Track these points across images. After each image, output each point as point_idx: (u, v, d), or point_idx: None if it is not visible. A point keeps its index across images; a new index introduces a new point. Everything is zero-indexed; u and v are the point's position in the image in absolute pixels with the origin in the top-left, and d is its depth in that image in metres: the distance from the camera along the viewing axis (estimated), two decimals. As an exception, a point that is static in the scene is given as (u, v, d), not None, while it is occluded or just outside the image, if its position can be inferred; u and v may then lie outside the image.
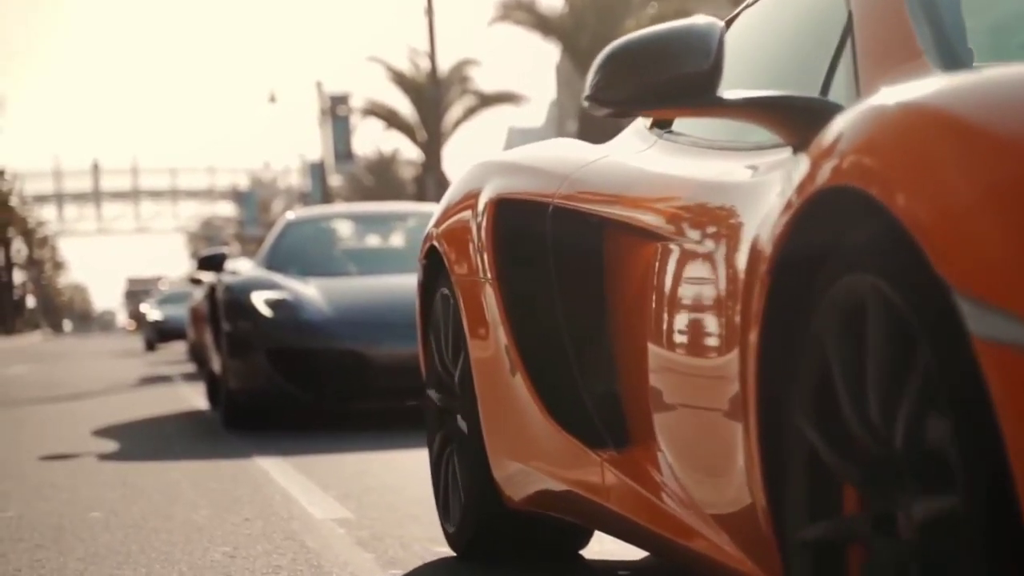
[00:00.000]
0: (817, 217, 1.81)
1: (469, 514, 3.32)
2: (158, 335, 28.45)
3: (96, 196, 77.52)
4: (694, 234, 2.37)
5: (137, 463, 6.36)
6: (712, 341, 2.21)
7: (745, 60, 2.74)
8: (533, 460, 2.97)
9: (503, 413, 3.07)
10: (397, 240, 9.59)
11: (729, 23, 2.95)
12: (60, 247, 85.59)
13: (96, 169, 76.80)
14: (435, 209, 3.61)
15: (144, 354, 27.01)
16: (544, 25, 33.70)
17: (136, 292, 76.71)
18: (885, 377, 1.69)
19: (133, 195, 78.30)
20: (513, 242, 3.07)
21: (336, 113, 42.69)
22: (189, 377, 15.22)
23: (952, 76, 1.67)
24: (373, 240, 9.78)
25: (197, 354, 16.12)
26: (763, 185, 2.15)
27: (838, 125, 1.76)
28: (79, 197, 77.83)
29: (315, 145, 71.31)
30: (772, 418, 1.93)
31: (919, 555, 1.64)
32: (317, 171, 46.44)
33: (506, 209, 3.10)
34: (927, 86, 1.64)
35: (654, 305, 2.48)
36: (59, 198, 77.28)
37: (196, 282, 14.44)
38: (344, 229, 9.72)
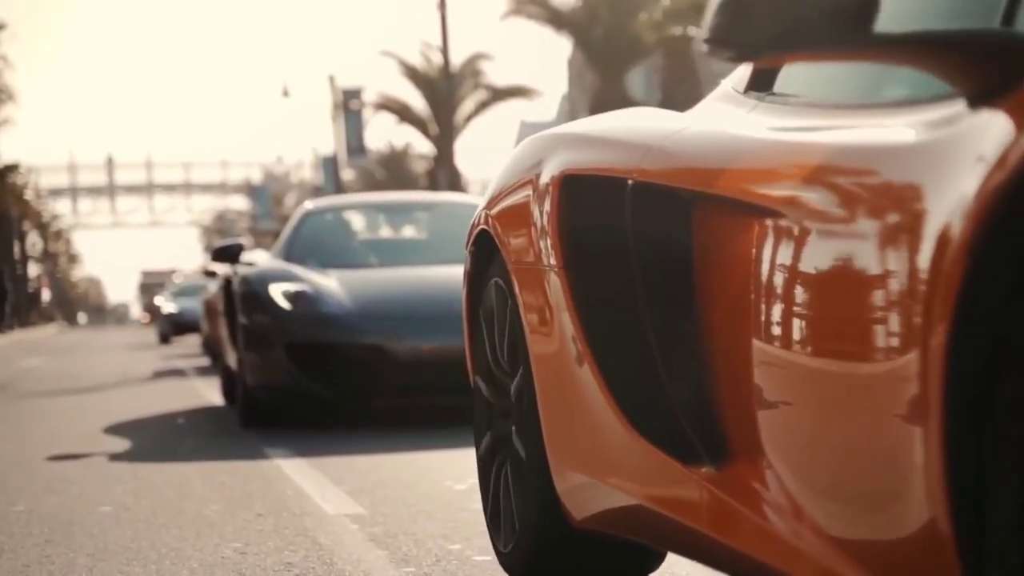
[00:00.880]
0: None
1: (527, 532, 2.88)
2: (172, 328, 28.36)
3: (110, 190, 77.68)
4: (828, 211, 1.92)
5: (148, 457, 6.33)
6: (862, 338, 1.81)
7: None
8: (605, 473, 2.55)
9: (569, 419, 2.65)
10: (420, 231, 9.26)
11: None
12: (74, 240, 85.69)
13: (110, 163, 76.93)
14: (487, 190, 3.18)
15: (158, 347, 26.99)
16: (557, 19, 33.60)
17: (150, 285, 76.78)
18: None
19: (147, 189, 78.45)
20: (584, 225, 2.64)
21: (349, 107, 42.65)
22: (203, 371, 15.19)
23: None
24: (395, 231, 9.45)
25: (211, 348, 16.10)
26: (930, 148, 1.75)
27: None
28: (93, 191, 78.02)
29: (328, 139, 71.32)
30: (963, 428, 1.59)
31: None
32: (330, 165, 46.41)
33: (575, 187, 2.66)
34: None
35: (764, 296, 2.06)
36: (74, 192, 77.45)
37: (210, 274, 14.38)
38: (364, 219, 9.40)
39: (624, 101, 34.05)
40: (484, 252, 3.13)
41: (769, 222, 2.08)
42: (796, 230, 1.99)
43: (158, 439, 7.27)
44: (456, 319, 7.26)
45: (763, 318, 2.06)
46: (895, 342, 1.72)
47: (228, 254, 8.62)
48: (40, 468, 6.02)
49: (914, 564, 1.71)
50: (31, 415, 9.48)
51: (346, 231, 9.09)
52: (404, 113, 40.75)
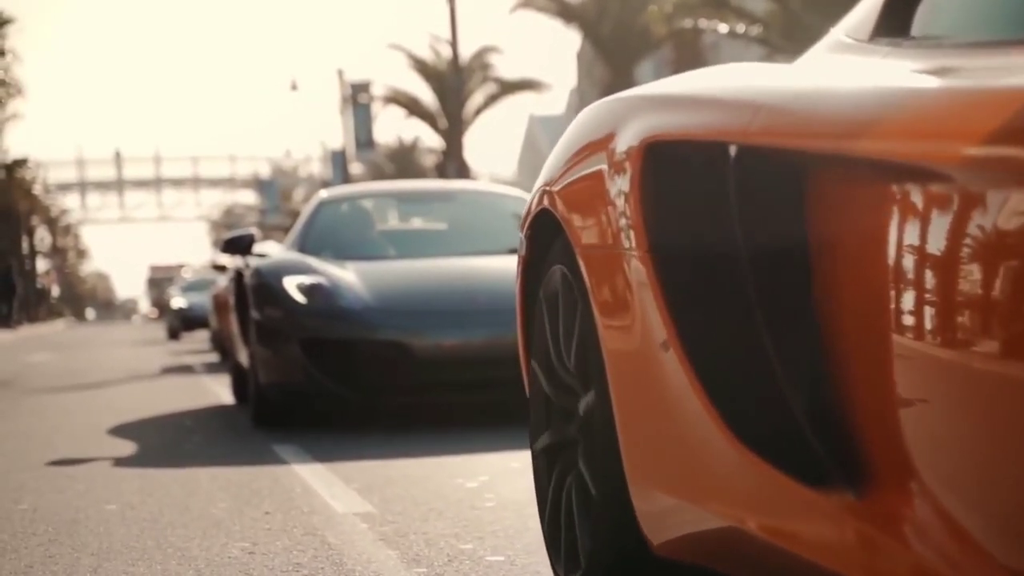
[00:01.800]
0: None
1: (596, 558, 2.49)
2: (182, 323, 27.99)
3: (119, 184, 77.75)
4: (1003, 177, 1.54)
5: (154, 455, 6.25)
6: None
7: None
8: (698, 495, 2.14)
9: (655, 430, 2.23)
10: (440, 221, 8.71)
11: None
12: (83, 235, 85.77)
13: (118, 158, 76.97)
14: (548, 162, 2.77)
15: (166, 343, 26.92)
16: (566, 12, 33.49)
17: (159, 280, 76.86)
18: None
19: (155, 183, 78.53)
20: (674, 200, 2.17)
21: (357, 101, 42.59)
22: (212, 367, 15.11)
23: None
24: (415, 221, 8.91)
25: (220, 344, 15.99)
26: None
27: None
28: (102, 185, 78.14)
29: (336, 133, 71.28)
30: None
31: None
32: (338, 159, 46.35)
33: (662, 156, 2.20)
34: None
35: (908, 282, 1.67)
36: (82, 186, 77.56)
37: (220, 268, 14.27)
38: (382, 209, 8.93)
39: (633, 94, 33.93)
40: (543, 235, 2.74)
41: (919, 192, 1.66)
42: (957, 201, 1.59)
43: (165, 436, 7.19)
44: (479, 313, 6.99)
45: (908, 309, 1.67)
46: None
47: (239, 245, 8.22)
48: (44, 466, 5.94)
49: None
50: (37, 411, 9.40)
51: (363, 221, 8.60)
52: (413, 107, 40.66)
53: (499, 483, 4.77)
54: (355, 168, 48.60)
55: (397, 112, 41.57)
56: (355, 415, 7.64)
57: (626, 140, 2.30)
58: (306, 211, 8.61)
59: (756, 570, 2.11)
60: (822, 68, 2.18)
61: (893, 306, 1.70)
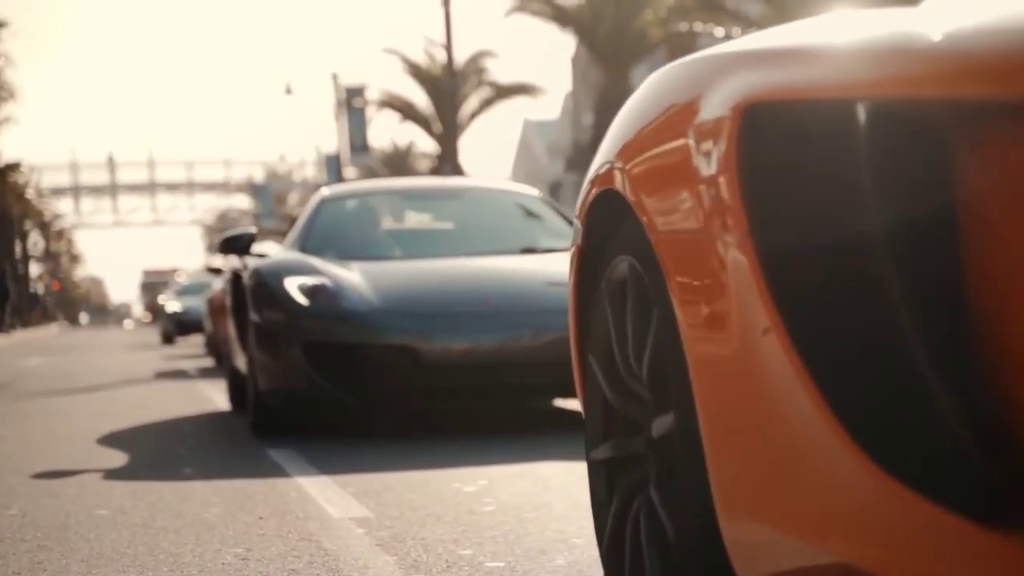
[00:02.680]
0: None
1: None
2: (177, 327, 27.61)
3: (112, 189, 77.64)
4: None
5: (147, 459, 6.16)
6: None
7: None
8: (810, 525, 1.74)
9: (755, 448, 1.83)
10: (448, 220, 8.28)
11: None
12: (76, 240, 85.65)
13: (111, 163, 76.86)
14: (610, 136, 2.38)
15: (160, 347, 26.79)
16: (561, 16, 33.45)
17: (152, 284, 76.71)
18: None
19: (149, 188, 78.45)
20: (785, 171, 1.76)
21: (352, 105, 42.51)
22: (206, 372, 15.02)
23: None
24: (421, 219, 8.47)
25: (215, 348, 15.87)
26: None
27: None
28: (95, 190, 78.03)
29: (331, 137, 71.19)
30: None
31: None
32: (333, 163, 46.28)
33: (768, 120, 1.78)
34: None
35: None
36: (76, 191, 77.44)
37: (215, 271, 14.14)
38: (387, 207, 8.44)
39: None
40: (605, 221, 2.38)
41: None
42: None
43: (158, 441, 7.10)
44: (490, 316, 6.69)
45: None
46: None
47: (237, 244, 7.73)
48: (36, 470, 5.85)
49: None
50: (29, 416, 9.31)
51: (367, 219, 8.16)
52: (407, 111, 40.60)
53: (498, 487, 4.69)
54: (349, 172, 48.52)
55: (392, 116, 41.53)
56: (348, 419, 7.55)
57: (718, 104, 1.89)
58: (307, 209, 8.27)
59: None
60: (969, 5, 1.69)
61: None
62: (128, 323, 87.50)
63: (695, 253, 1.93)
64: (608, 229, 2.38)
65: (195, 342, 26.47)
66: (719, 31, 23.59)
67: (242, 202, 78.90)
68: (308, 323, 6.61)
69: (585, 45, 34.32)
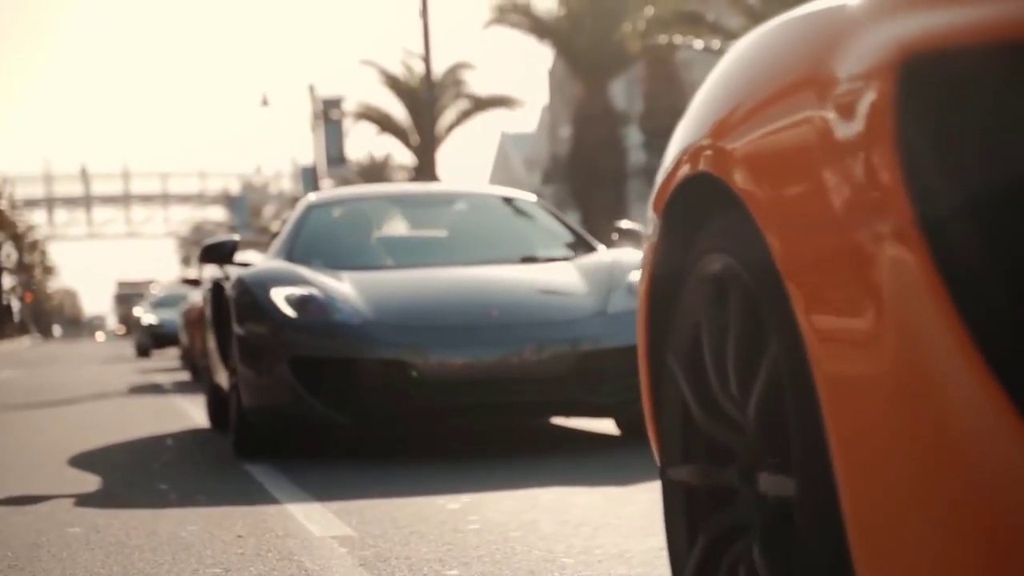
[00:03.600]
0: None
1: None
2: (153, 340, 27.10)
3: (87, 201, 77.25)
4: None
5: (121, 475, 6.02)
6: None
7: None
8: None
9: (932, 515, 1.32)
10: (443, 226, 7.86)
11: None
12: (50, 251, 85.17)
13: (85, 175, 76.50)
14: (689, 112, 2.02)
15: (134, 360, 26.51)
16: (540, 28, 33.39)
17: (126, 295, 76.10)
18: None
19: (124, 200, 78.07)
20: (960, 144, 1.33)
21: (329, 117, 42.34)
22: (182, 386, 14.84)
23: None
24: (414, 226, 8.06)
25: (191, 361, 15.64)
26: None
27: None
28: (70, 201, 77.64)
29: (307, 149, 71.08)
30: None
31: None
32: (309, 175, 46.10)
33: (934, 75, 1.36)
34: None
35: None
36: (49, 202, 77.01)
37: (191, 283, 13.92)
38: (377, 213, 7.98)
39: (609, 111, 33.89)
40: (692, 212, 1.99)
41: None
42: None
43: (132, 456, 6.95)
44: (491, 329, 6.28)
45: None
46: None
47: (219, 253, 7.20)
48: (5, 486, 5.70)
49: None
50: (1, 429, 9.14)
51: (357, 226, 7.70)
52: (385, 123, 40.48)
53: (482, 504, 4.58)
54: (326, 184, 48.36)
55: (369, 128, 41.39)
56: (325, 431, 7.39)
57: (862, 61, 1.46)
58: (293, 216, 7.81)
59: None
60: None
61: None
62: (100, 335, 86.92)
63: (833, 253, 1.46)
64: (693, 222, 1.97)
65: (170, 355, 26.21)
66: (698, 44, 23.55)
67: (217, 214, 78.63)
68: (296, 336, 6.21)
69: (564, 58, 34.26)
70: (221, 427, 8.00)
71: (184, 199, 78.82)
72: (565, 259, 7.11)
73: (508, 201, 8.08)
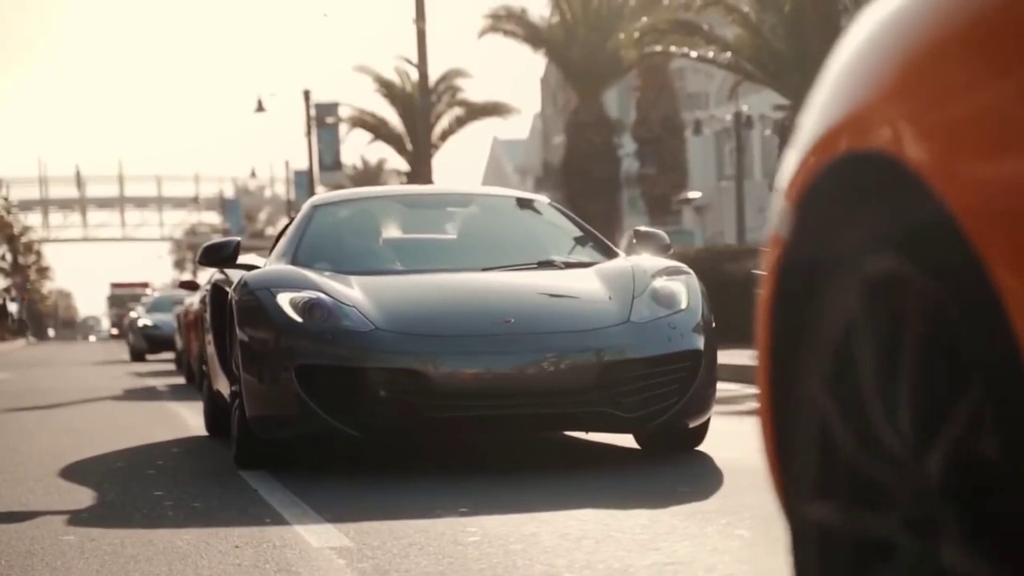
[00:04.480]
0: None
1: None
2: (148, 343, 26.73)
3: (82, 203, 77.20)
4: None
5: (116, 482, 5.97)
6: None
7: None
8: None
9: None
10: (454, 229, 7.54)
11: None
12: (45, 253, 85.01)
13: (79, 178, 76.43)
14: (827, 91, 1.51)
15: (129, 363, 26.38)
16: (534, 36, 33.41)
17: (120, 297, 75.75)
18: None
19: (119, 202, 78.00)
20: None
21: (323, 122, 42.32)
22: (177, 390, 14.77)
23: None
24: (424, 229, 7.75)
25: (187, 365, 15.53)
26: None
27: None
28: (64, 204, 77.57)
29: (302, 154, 71.13)
30: None
31: None
32: (303, 180, 46.07)
33: None
34: None
35: None
36: (44, 205, 76.96)
37: (186, 285, 13.77)
38: (385, 215, 7.64)
39: (602, 119, 33.89)
40: (842, 200, 1.51)
41: None
42: None
43: (127, 463, 6.91)
44: (507, 337, 5.96)
45: None
46: None
47: (221, 254, 6.93)
48: (0, 491, 5.66)
49: None
50: (-6, 433, 9.10)
51: (364, 228, 7.35)
52: (379, 129, 40.44)
53: (481, 514, 4.54)
54: (320, 190, 48.37)
55: (364, 134, 41.36)
56: (321, 440, 7.31)
57: None
58: (297, 218, 7.47)
59: None
60: None
61: None
62: (92, 338, 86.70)
63: None
64: (842, 213, 1.52)
65: (165, 358, 26.10)
66: (693, 54, 23.54)
67: (212, 218, 78.55)
68: (302, 343, 5.90)
69: (558, 66, 34.27)
70: (219, 435, 7.76)
71: (179, 203, 78.77)
72: (583, 264, 6.77)
73: (522, 203, 7.72)
